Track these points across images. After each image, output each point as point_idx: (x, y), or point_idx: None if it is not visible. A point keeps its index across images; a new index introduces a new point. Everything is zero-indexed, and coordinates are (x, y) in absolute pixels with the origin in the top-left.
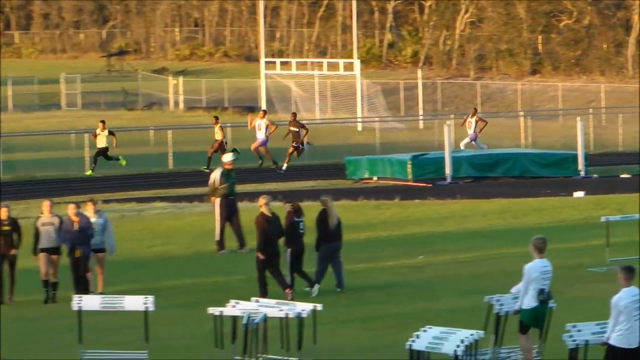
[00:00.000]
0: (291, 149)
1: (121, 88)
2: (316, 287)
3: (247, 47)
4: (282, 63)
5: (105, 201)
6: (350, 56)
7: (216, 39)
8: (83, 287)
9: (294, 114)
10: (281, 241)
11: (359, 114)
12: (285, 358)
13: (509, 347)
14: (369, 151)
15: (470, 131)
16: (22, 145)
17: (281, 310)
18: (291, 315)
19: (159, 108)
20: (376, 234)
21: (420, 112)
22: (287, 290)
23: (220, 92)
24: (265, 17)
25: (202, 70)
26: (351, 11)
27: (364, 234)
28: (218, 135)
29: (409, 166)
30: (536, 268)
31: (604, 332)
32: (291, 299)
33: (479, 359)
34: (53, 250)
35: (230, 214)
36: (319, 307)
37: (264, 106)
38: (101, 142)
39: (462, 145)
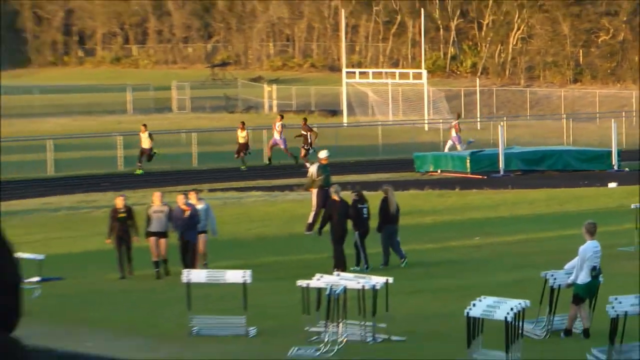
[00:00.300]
0: (303, 151)
1: (223, 94)
2: (362, 264)
3: (331, 59)
4: (360, 73)
5: (210, 190)
6: (419, 67)
7: (304, 52)
8: (190, 265)
9: (305, 119)
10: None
11: (426, 117)
12: (362, 323)
13: (561, 315)
14: (434, 148)
15: (454, 134)
16: (136, 143)
17: (358, 282)
18: (367, 287)
19: (255, 111)
20: (440, 218)
21: (478, 114)
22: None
23: (308, 98)
24: (346, 33)
25: (293, 79)
26: (420, 28)
27: (429, 218)
28: (241, 139)
29: (468, 161)
30: (590, 248)
31: None
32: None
33: (536, 326)
34: (162, 235)
35: (325, 202)
36: (391, 280)
37: (345, 110)
38: (145, 143)
39: (446, 149)
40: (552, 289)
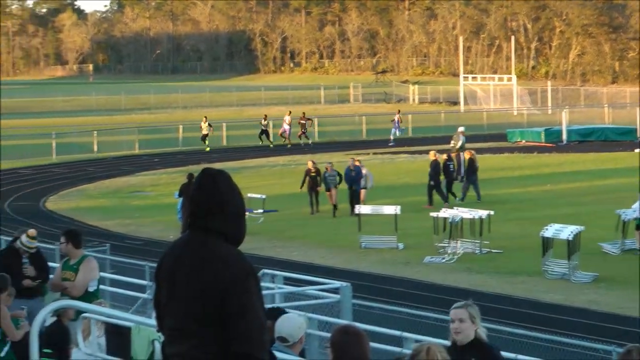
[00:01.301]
0: (300, 133)
1: (383, 91)
2: (458, 201)
3: (453, 68)
4: (472, 77)
5: (374, 153)
6: (510, 73)
7: (436, 64)
8: (356, 203)
9: (304, 113)
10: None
11: (515, 106)
12: (472, 240)
13: (630, 239)
14: (520, 126)
15: (395, 124)
16: (326, 123)
17: (470, 214)
18: (476, 217)
19: (404, 102)
20: (523, 172)
21: (549, 105)
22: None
23: (438, 94)
24: (463, 52)
25: (428, 81)
26: (511, 49)
27: (516, 172)
28: (205, 130)
29: (543, 134)
30: None
31: None
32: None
33: (613, 246)
34: (333, 189)
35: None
36: (492, 212)
37: (462, 102)
38: (204, 129)
39: (391, 136)
40: (623, 222)
